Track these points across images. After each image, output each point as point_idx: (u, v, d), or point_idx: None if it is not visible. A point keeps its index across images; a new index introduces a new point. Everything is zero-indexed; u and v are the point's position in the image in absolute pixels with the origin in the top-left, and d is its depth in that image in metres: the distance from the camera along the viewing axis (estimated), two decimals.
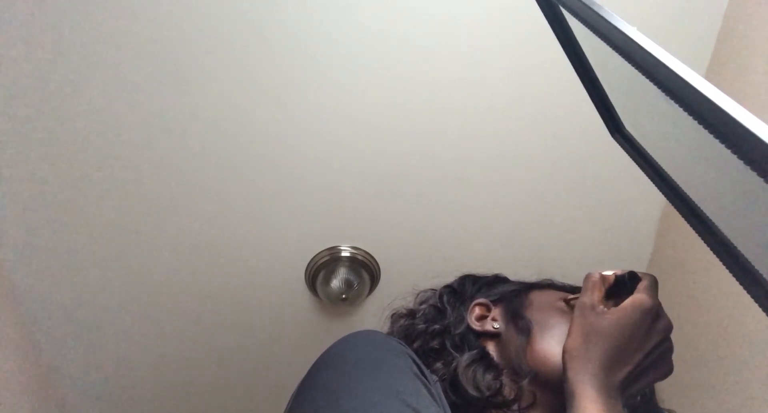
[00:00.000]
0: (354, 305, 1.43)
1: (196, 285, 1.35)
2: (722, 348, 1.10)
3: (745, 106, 0.29)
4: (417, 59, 1.14)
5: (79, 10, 1.04)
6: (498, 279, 0.87)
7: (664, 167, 0.43)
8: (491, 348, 0.73)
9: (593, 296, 0.63)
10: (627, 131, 0.48)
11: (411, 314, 0.82)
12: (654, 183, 0.44)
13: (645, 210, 1.34)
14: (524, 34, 1.12)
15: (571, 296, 0.76)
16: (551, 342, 0.69)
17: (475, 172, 1.27)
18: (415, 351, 0.70)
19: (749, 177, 0.31)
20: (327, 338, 0.86)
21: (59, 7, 1.03)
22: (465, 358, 0.70)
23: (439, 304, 0.81)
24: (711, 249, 0.42)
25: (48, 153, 1.15)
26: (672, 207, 0.45)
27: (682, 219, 0.44)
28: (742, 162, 0.31)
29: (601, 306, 0.62)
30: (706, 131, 0.33)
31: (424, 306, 0.82)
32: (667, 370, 0.64)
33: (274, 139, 1.20)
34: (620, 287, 0.66)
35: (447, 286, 0.86)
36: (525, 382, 0.66)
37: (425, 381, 0.58)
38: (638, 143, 0.46)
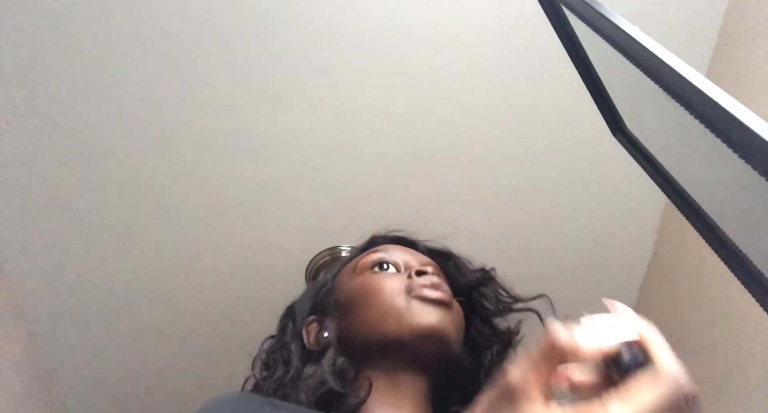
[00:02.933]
0: None
1: (196, 285, 1.35)
2: (723, 347, 1.10)
3: (746, 105, 0.29)
4: (418, 60, 1.14)
5: (80, 8, 1.04)
6: (311, 286, 0.86)
7: (665, 166, 0.44)
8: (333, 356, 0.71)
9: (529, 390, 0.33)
10: (629, 130, 0.48)
11: (258, 372, 0.81)
12: (655, 182, 0.44)
13: (645, 210, 1.34)
14: (526, 32, 1.12)
15: (363, 257, 0.77)
16: (352, 320, 0.69)
17: (476, 171, 1.27)
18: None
19: (750, 175, 0.31)
20: None
21: (60, 6, 1.03)
22: (303, 380, 0.68)
23: (267, 357, 0.80)
24: (712, 248, 0.42)
25: (49, 153, 1.15)
26: (673, 207, 0.45)
27: (683, 218, 0.44)
28: (743, 160, 0.31)
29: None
30: (708, 130, 0.33)
31: (263, 367, 0.81)
32: None
33: (275, 140, 1.20)
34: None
35: (270, 339, 0.84)
36: (340, 362, 0.66)
37: None
38: (640, 142, 0.46)
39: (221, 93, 1.14)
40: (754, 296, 0.40)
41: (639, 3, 1.10)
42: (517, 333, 0.76)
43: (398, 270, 0.75)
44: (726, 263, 0.41)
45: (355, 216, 1.32)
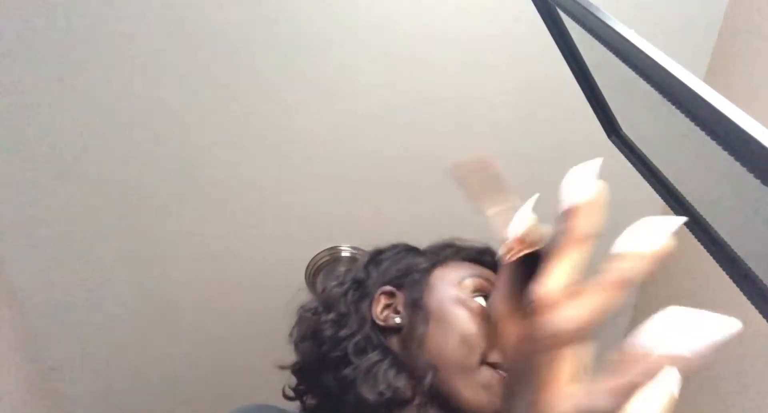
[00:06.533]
0: None
1: (196, 285, 1.35)
2: (721, 348, 1.10)
3: (745, 107, 0.29)
4: (418, 61, 1.14)
5: (81, 8, 1.04)
6: (403, 255, 0.79)
7: (661, 169, 0.43)
8: (396, 343, 0.69)
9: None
10: (624, 133, 0.48)
11: (317, 313, 0.77)
12: (651, 185, 0.44)
13: (644, 212, 1.33)
14: (521, 35, 1.12)
15: (469, 281, 0.70)
16: (445, 339, 0.65)
17: None
18: (324, 356, 0.69)
19: (747, 180, 0.30)
20: None
21: (61, 5, 1.03)
22: (365, 361, 0.66)
23: (342, 307, 0.75)
24: (708, 251, 0.42)
25: (49, 152, 1.15)
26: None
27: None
28: (738, 164, 0.31)
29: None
30: (704, 133, 0.32)
31: (330, 309, 0.75)
32: None
33: (275, 140, 1.20)
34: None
35: (352, 278, 0.78)
36: (426, 381, 0.63)
37: None
38: (635, 145, 0.46)
39: (222, 95, 1.14)
40: (749, 299, 0.40)
41: (639, 3, 1.09)
42: None
43: None
44: (722, 266, 0.41)
45: (355, 216, 1.32)
